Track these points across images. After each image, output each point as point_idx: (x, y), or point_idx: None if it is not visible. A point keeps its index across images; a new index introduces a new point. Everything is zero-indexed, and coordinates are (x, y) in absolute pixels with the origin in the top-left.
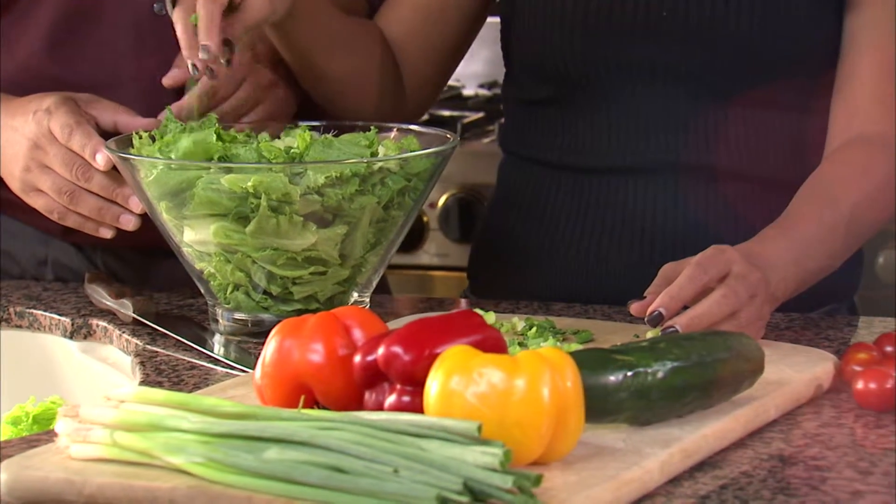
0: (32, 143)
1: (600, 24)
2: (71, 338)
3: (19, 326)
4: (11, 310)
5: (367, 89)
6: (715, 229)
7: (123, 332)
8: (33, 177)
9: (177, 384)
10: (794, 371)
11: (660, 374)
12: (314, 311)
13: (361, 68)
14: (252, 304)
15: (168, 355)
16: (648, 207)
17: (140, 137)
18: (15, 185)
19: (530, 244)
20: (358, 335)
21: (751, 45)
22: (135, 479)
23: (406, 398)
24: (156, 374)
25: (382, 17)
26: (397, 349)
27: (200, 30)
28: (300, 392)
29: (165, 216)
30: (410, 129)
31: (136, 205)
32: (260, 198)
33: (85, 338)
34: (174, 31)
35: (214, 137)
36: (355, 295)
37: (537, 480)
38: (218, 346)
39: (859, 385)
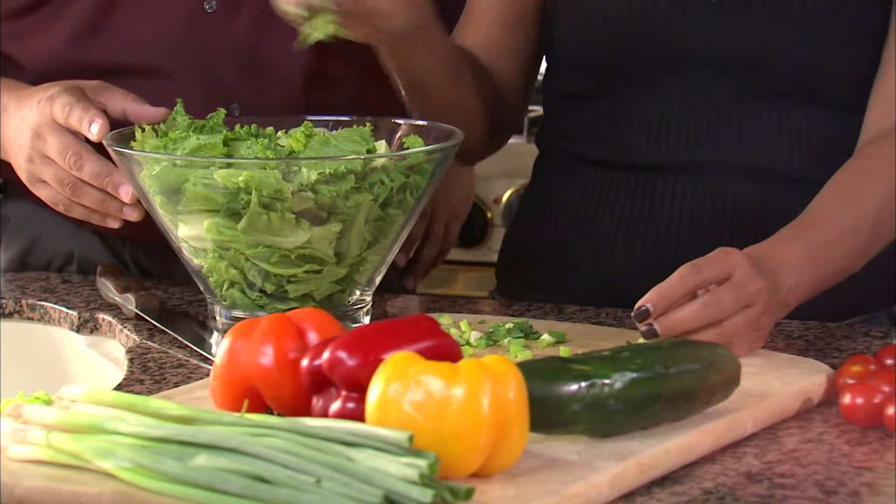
0: (34, 132)
1: (646, 14)
2: (78, 331)
3: (31, 319)
4: (24, 302)
5: (474, 114)
6: (756, 229)
7: (125, 327)
8: (36, 168)
9: (158, 382)
10: (781, 383)
11: (617, 385)
12: None
13: (470, 96)
14: (248, 301)
15: (162, 352)
16: (686, 206)
17: (143, 131)
18: (23, 176)
19: (561, 243)
20: (313, 338)
21: (803, 36)
22: (64, 482)
23: (351, 405)
24: (141, 371)
25: (462, 33)
26: (342, 354)
27: None
28: (250, 396)
29: (161, 211)
30: (416, 125)
31: (126, 193)
32: (251, 194)
33: (91, 332)
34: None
35: (222, 142)
36: (357, 293)
37: (468, 494)
38: (215, 345)
39: (846, 399)
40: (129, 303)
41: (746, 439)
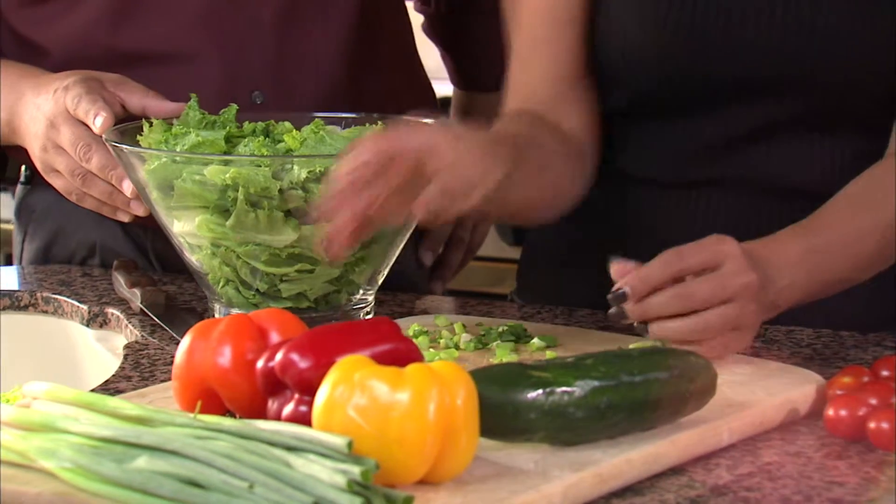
0: (49, 121)
1: (671, 43)
2: (88, 325)
3: (45, 311)
4: (39, 295)
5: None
6: None
7: (130, 322)
8: (50, 157)
9: (146, 379)
10: (766, 393)
11: (578, 393)
12: (305, 310)
13: (565, 183)
14: (242, 299)
15: (158, 349)
16: (706, 222)
17: (150, 125)
18: (37, 164)
19: (576, 250)
20: (275, 339)
21: (831, 62)
22: (8, 481)
23: (303, 408)
24: (132, 367)
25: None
26: (294, 356)
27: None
28: (208, 397)
29: (157, 207)
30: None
31: (129, 187)
32: (238, 191)
33: (101, 326)
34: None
35: (223, 139)
36: (360, 293)
37: (405, 502)
38: None
39: (831, 411)
40: (135, 298)
41: (722, 450)
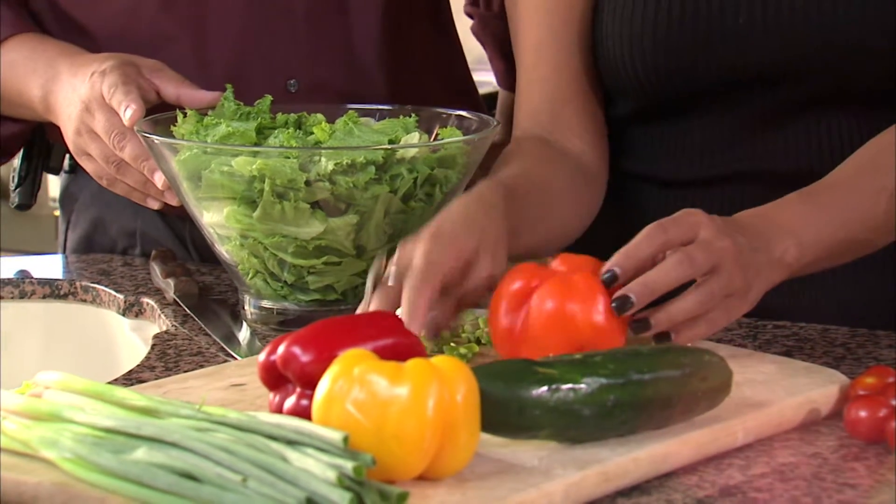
0: (84, 105)
1: (672, 37)
2: (124, 315)
3: (84, 300)
4: (78, 284)
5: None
6: None
7: (164, 312)
8: (83, 141)
9: (170, 369)
10: (786, 392)
11: (585, 390)
12: (333, 302)
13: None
14: (271, 291)
15: (186, 339)
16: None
17: (185, 115)
18: (70, 146)
19: (588, 245)
20: None
21: (832, 44)
22: (10, 470)
23: (304, 402)
24: (157, 357)
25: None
26: (296, 349)
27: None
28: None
29: (187, 197)
30: (460, 116)
31: (160, 179)
32: (265, 182)
33: (136, 316)
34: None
35: (254, 130)
36: None
37: (400, 498)
38: (244, 341)
39: (850, 412)
40: (169, 288)
41: (737, 450)
